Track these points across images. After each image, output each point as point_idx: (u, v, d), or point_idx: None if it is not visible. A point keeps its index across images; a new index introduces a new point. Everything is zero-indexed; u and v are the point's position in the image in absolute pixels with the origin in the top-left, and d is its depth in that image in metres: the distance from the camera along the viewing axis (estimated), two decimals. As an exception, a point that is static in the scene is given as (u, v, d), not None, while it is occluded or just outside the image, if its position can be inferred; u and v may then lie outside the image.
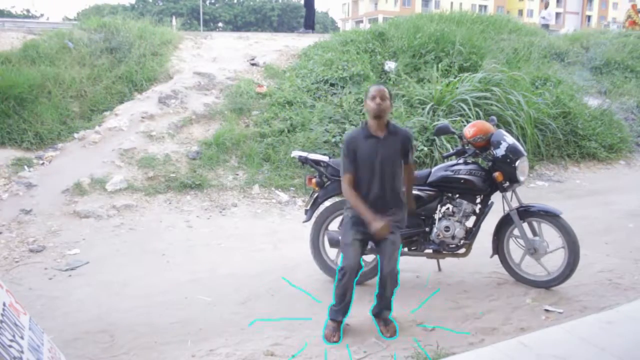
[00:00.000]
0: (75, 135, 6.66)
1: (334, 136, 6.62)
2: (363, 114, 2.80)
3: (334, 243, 3.79)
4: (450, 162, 3.91)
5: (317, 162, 3.89)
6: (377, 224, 2.95)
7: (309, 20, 11.81)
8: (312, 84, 7.70)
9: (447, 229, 3.75)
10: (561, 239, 3.67)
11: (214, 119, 7.04)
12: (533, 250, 3.77)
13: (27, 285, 3.86)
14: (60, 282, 3.96)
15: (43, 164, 6.16)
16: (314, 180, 3.89)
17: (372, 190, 3.04)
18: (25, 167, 6.02)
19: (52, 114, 6.83)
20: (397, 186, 3.11)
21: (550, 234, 3.77)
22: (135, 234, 4.98)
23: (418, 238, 3.80)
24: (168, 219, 5.31)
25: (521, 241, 3.84)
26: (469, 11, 12.70)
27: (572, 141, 8.05)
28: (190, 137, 6.69)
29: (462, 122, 6.72)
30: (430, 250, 3.84)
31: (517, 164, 3.68)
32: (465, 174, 3.73)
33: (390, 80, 7.99)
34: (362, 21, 54.83)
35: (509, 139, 3.78)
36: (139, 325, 3.24)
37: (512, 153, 3.69)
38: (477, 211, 3.83)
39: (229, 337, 3.11)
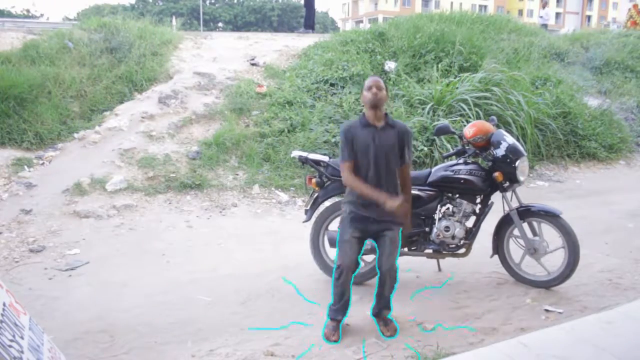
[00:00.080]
0: (75, 135, 6.66)
1: (334, 136, 6.62)
2: (363, 113, 2.82)
3: (334, 243, 3.79)
4: (450, 162, 3.91)
5: (317, 162, 3.89)
6: (392, 202, 2.91)
7: (309, 20, 11.80)
8: (312, 84, 7.70)
9: (447, 229, 3.75)
10: (561, 239, 3.67)
11: (214, 119, 7.04)
12: (533, 250, 3.78)
13: (27, 285, 3.86)
14: (60, 282, 3.96)
15: (43, 164, 6.16)
16: (314, 180, 3.89)
17: (368, 179, 2.99)
18: (25, 167, 6.02)
19: (52, 114, 6.83)
20: (392, 178, 3.05)
21: (550, 234, 3.77)
22: (135, 234, 4.98)
23: (418, 238, 3.80)
24: (168, 219, 5.31)
25: (521, 241, 3.84)
26: (469, 11, 12.69)
27: (572, 141, 8.05)
28: (190, 137, 6.69)
29: (462, 122, 6.72)
30: (430, 250, 3.84)
31: (517, 164, 3.68)
32: (465, 174, 3.73)
33: (390, 80, 7.99)
34: (362, 21, 54.86)
35: (509, 139, 3.79)
36: (139, 325, 3.25)
37: (512, 153, 3.69)
38: (477, 211, 3.83)
39: (229, 337, 3.11)
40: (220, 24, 51.25)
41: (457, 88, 7.36)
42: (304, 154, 3.97)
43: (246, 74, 8.09)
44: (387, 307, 3.18)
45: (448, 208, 3.85)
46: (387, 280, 3.09)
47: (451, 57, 8.33)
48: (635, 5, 15.71)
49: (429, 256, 3.90)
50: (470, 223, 3.86)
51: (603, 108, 8.94)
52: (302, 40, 9.76)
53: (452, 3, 42.24)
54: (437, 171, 3.82)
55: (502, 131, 3.94)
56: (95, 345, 3.01)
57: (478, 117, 6.72)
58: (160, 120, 6.83)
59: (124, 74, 7.75)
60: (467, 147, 3.89)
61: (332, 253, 3.94)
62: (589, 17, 63.27)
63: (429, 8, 48.74)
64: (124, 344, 3.02)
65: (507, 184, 3.77)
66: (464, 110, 6.99)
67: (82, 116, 7.13)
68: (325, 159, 3.89)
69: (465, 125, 4.53)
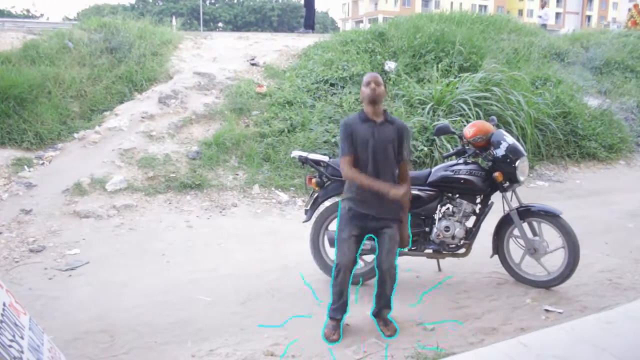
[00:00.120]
0: (75, 135, 6.66)
1: (334, 136, 6.62)
2: (362, 109, 2.82)
3: (333, 243, 3.79)
4: (450, 162, 3.91)
5: (317, 162, 3.89)
6: (396, 190, 2.92)
7: (309, 20, 11.80)
8: (312, 84, 7.70)
9: (447, 229, 3.75)
10: (561, 239, 3.67)
11: (214, 119, 7.04)
12: (533, 250, 3.78)
13: (27, 285, 3.86)
14: (60, 282, 3.96)
15: (43, 164, 6.16)
16: (314, 180, 3.89)
17: (367, 173, 2.99)
18: (25, 167, 6.02)
19: (52, 114, 6.83)
20: (390, 173, 3.05)
21: (550, 234, 3.77)
22: (135, 234, 4.98)
23: (418, 238, 3.80)
24: (168, 219, 5.31)
25: (521, 241, 3.84)
26: (469, 11, 12.69)
27: (572, 141, 8.05)
28: (190, 137, 6.69)
29: (462, 122, 6.72)
30: (430, 250, 3.84)
31: (517, 164, 3.68)
32: (465, 174, 3.73)
33: (390, 80, 7.99)
34: (362, 21, 54.86)
35: (509, 139, 3.79)
36: (139, 325, 3.25)
37: (512, 153, 3.69)
38: (477, 211, 3.83)
39: (229, 337, 3.11)
40: (220, 24, 51.27)
41: (457, 88, 7.36)
42: (304, 154, 3.97)
43: (246, 74, 8.09)
44: (388, 306, 3.18)
45: (448, 208, 3.85)
46: (387, 280, 3.09)
47: (451, 57, 8.33)
48: (636, 5, 15.72)
49: (429, 256, 3.90)
50: (470, 223, 3.86)
51: (603, 108, 8.94)
52: (302, 40, 9.76)
53: (452, 3, 42.24)
54: (437, 171, 3.82)
55: (502, 131, 3.94)
56: (95, 345, 3.01)
57: (478, 117, 6.72)
58: (160, 120, 6.83)
59: (124, 74, 7.75)
60: (467, 147, 3.89)
61: (332, 253, 3.93)
62: (589, 17, 63.29)
63: (429, 8, 48.74)
64: (124, 344, 3.02)
65: (507, 184, 3.77)
66: (464, 110, 6.99)
67: (82, 116, 7.13)
68: (325, 159, 3.89)
69: (465, 125, 4.53)
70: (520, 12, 57.83)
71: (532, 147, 7.39)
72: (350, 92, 7.50)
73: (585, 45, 11.95)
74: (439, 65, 8.09)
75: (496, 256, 3.91)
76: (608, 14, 63.45)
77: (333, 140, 6.57)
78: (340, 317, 3.14)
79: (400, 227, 3.09)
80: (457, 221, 3.77)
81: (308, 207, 3.97)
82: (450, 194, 3.82)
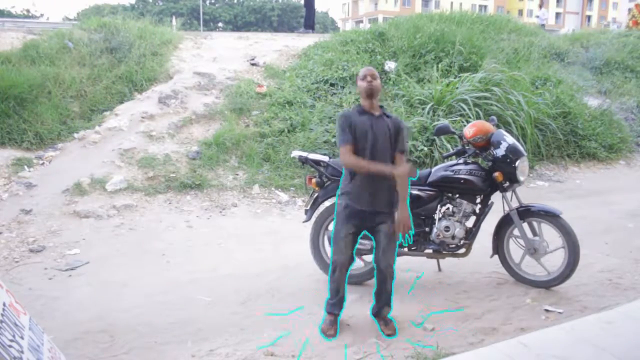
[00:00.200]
0: (75, 135, 6.66)
1: (333, 136, 6.61)
2: (358, 103, 2.82)
3: (333, 242, 3.79)
4: (450, 162, 3.91)
5: (317, 162, 3.89)
6: (399, 169, 2.94)
7: (309, 20, 11.81)
8: (312, 84, 7.70)
9: (447, 229, 3.75)
10: (561, 239, 3.67)
11: (214, 119, 7.04)
12: (533, 250, 3.78)
13: (27, 285, 3.86)
14: (60, 282, 3.96)
15: (43, 164, 6.16)
16: (314, 180, 3.89)
17: None
18: (25, 167, 6.02)
19: (52, 114, 6.83)
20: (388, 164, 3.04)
21: (550, 234, 3.77)
22: (135, 234, 4.97)
23: (418, 238, 3.80)
24: (168, 219, 5.31)
25: (521, 241, 3.84)
26: (469, 11, 12.70)
27: (572, 141, 8.05)
28: (190, 137, 6.69)
29: (462, 122, 6.72)
30: (430, 250, 3.84)
31: (517, 164, 3.68)
32: (465, 174, 3.73)
33: (390, 80, 7.99)
34: (362, 21, 54.85)
35: (509, 139, 3.79)
36: (139, 325, 3.24)
37: (512, 153, 3.69)
38: (477, 211, 3.83)
39: (229, 337, 3.11)
40: (220, 24, 51.27)
41: (457, 88, 7.36)
42: (304, 154, 3.97)
43: (246, 74, 8.10)
44: (388, 304, 3.18)
45: (448, 208, 3.85)
46: (386, 278, 3.10)
47: (451, 57, 8.33)
48: (637, 5, 15.74)
49: (429, 256, 3.90)
50: (470, 223, 3.86)
51: (603, 108, 8.94)
52: (302, 40, 9.77)
53: (452, 3, 42.23)
54: (437, 171, 3.82)
55: (502, 131, 3.94)
56: (95, 345, 3.01)
57: (478, 117, 6.71)
58: (160, 120, 6.83)
59: (124, 74, 7.75)
60: (467, 147, 3.89)
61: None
62: (589, 17, 63.28)
63: (429, 8, 48.74)
64: (124, 344, 3.02)
65: (507, 184, 3.77)
66: (464, 110, 6.99)
67: (82, 116, 7.13)
68: (325, 159, 3.89)
69: (465, 125, 4.53)
70: (520, 12, 57.83)
71: (532, 147, 7.39)
72: (350, 92, 7.50)
73: (585, 45, 11.96)
74: (439, 65, 8.09)
75: (496, 256, 3.91)
76: (608, 14, 63.44)
77: (333, 140, 6.57)
78: (337, 312, 3.17)
79: (401, 208, 3.00)
80: (457, 221, 3.77)
81: (308, 207, 3.97)
82: (450, 194, 3.82)
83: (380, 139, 3.00)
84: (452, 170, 3.76)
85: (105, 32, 8.42)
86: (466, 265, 4.12)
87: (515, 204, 3.81)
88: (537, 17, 17.06)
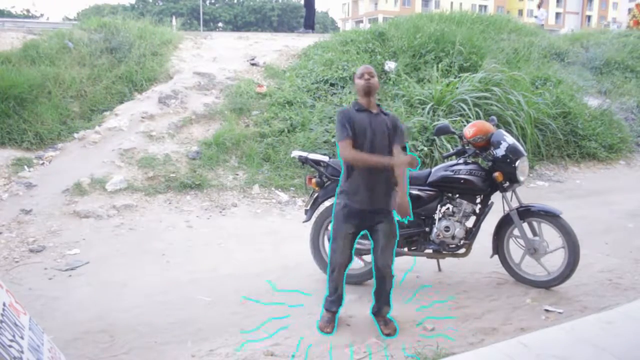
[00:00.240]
0: (75, 135, 6.66)
1: (333, 136, 6.61)
2: (356, 101, 2.83)
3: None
4: (450, 162, 3.91)
5: (317, 162, 3.90)
6: (398, 159, 2.94)
7: (309, 20, 11.81)
8: (312, 84, 7.70)
9: (447, 229, 3.75)
10: (561, 239, 3.67)
11: (214, 119, 7.04)
12: (533, 250, 3.78)
13: (27, 285, 3.86)
14: (60, 282, 3.96)
15: (43, 164, 6.16)
16: (314, 180, 3.89)
17: None
18: (25, 167, 6.02)
19: (52, 114, 6.83)
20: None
21: (550, 234, 3.77)
22: (135, 234, 4.97)
23: (418, 238, 3.80)
24: (168, 219, 5.31)
25: (521, 241, 3.84)
26: (469, 11, 12.70)
27: (572, 141, 8.05)
28: (190, 137, 6.69)
29: (462, 122, 6.72)
30: (430, 250, 3.84)
31: (517, 164, 3.68)
32: (465, 174, 3.73)
33: (390, 80, 7.99)
34: (362, 21, 54.84)
35: (509, 139, 3.79)
36: (139, 325, 3.24)
37: (512, 153, 3.69)
38: (477, 211, 3.83)
39: (229, 337, 3.11)
40: (220, 24, 51.27)
41: (457, 88, 7.36)
42: (304, 154, 3.97)
43: (246, 74, 8.10)
44: (387, 303, 3.19)
45: (448, 208, 3.85)
46: (384, 277, 3.11)
47: (451, 57, 8.33)
48: (637, 5, 15.74)
49: (429, 256, 3.90)
50: (470, 223, 3.86)
51: (603, 108, 8.94)
52: (302, 40, 9.77)
53: (452, 3, 42.23)
54: (437, 171, 3.82)
55: (502, 131, 3.94)
56: (95, 345, 3.01)
57: (478, 117, 6.71)
58: (160, 120, 6.83)
59: (124, 74, 7.75)
60: (467, 147, 3.89)
61: (332, 253, 3.94)
62: (589, 17, 63.28)
63: (429, 8, 48.73)
64: (124, 344, 3.02)
65: (507, 184, 3.78)
66: (464, 110, 6.99)
67: (82, 116, 7.13)
68: (325, 159, 3.89)
69: (465, 125, 4.53)
70: (520, 12, 57.81)
71: (532, 147, 7.39)
72: (350, 92, 7.50)
73: (585, 45, 11.96)
74: (439, 65, 8.09)
75: (496, 256, 3.91)
76: (608, 14, 63.44)
77: (333, 140, 6.57)
78: (335, 309, 3.18)
79: (400, 194, 2.97)
80: (457, 221, 3.77)
81: (308, 207, 3.97)
82: (450, 194, 3.82)
83: (378, 135, 3.00)
84: (452, 170, 3.76)
85: (105, 32, 8.42)
86: (466, 265, 4.12)
87: (515, 204, 3.81)
88: (535, 17, 17.05)
